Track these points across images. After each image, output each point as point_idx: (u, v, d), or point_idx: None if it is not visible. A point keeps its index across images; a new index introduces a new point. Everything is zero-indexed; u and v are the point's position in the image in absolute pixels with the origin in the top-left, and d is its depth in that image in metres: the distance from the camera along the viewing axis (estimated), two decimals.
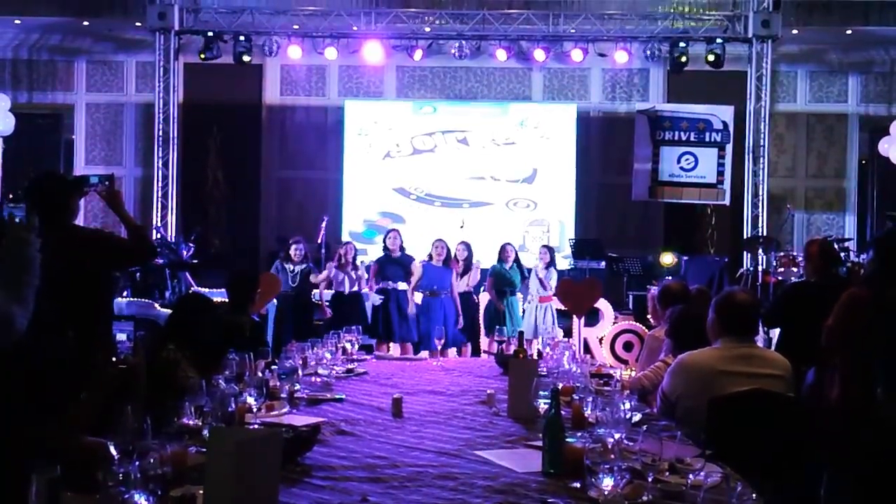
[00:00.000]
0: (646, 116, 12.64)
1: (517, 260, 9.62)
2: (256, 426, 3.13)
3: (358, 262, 9.65)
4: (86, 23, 13.06)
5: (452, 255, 9.31)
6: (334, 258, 9.48)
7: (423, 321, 9.04)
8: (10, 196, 3.58)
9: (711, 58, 12.31)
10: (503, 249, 9.55)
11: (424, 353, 8.43)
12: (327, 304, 9.36)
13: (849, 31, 12.84)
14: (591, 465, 2.34)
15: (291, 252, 9.22)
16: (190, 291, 10.17)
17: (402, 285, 9.15)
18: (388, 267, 9.22)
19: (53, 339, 3.16)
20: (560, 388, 3.26)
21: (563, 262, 11.90)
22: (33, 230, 2.85)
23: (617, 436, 2.68)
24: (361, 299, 9.49)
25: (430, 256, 9.19)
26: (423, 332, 9.00)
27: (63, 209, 4.13)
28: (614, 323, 9.78)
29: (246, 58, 12.53)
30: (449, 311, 9.01)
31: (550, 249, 9.99)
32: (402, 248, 9.30)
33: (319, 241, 10.75)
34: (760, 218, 12.53)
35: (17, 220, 3.01)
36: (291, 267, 9.18)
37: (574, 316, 9.44)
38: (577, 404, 3.29)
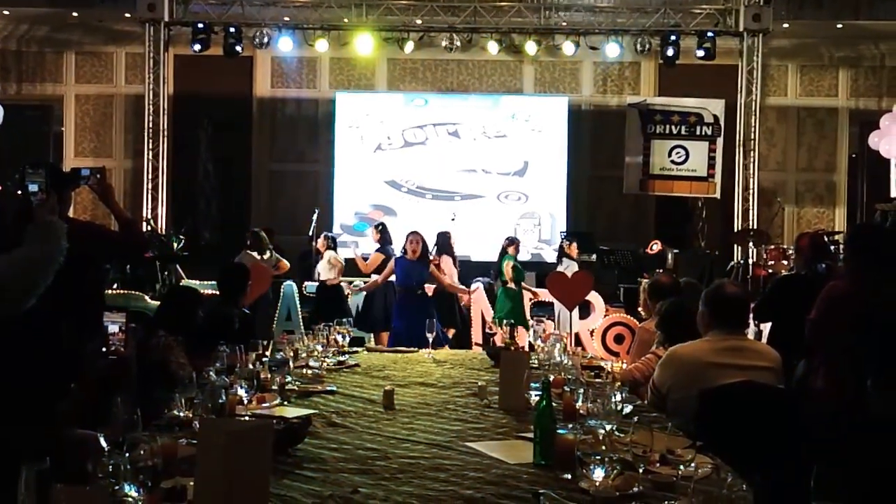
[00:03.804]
0: (637, 110, 12.65)
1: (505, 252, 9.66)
2: (247, 418, 3.12)
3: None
4: (75, 14, 12.99)
5: (439, 243, 9.27)
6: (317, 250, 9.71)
7: (401, 318, 8.47)
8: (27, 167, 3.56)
9: (702, 52, 12.32)
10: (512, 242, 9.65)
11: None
12: (311, 294, 9.46)
13: (839, 25, 12.88)
14: (582, 456, 2.35)
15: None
16: (179, 284, 10.18)
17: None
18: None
19: (46, 331, 3.15)
20: (551, 379, 3.26)
21: (554, 255, 11.93)
22: (55, 210, 2.97)
23: (608, 427, 2.68)
24: (342, 291, 9.54)
25: (405, 251, 8.67)
26: (403, 330, 8.31)
27: (61, 202, 4.13)
28: (605, 315, 9.79)
29: (237, 49, 12.48)
30: (428, 308, 8.45)
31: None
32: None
33: (311, 233, 10.76)
34: (751, 211, 12.57)
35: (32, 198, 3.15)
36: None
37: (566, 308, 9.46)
38: (568, 396, 3.29)
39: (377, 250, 9.76)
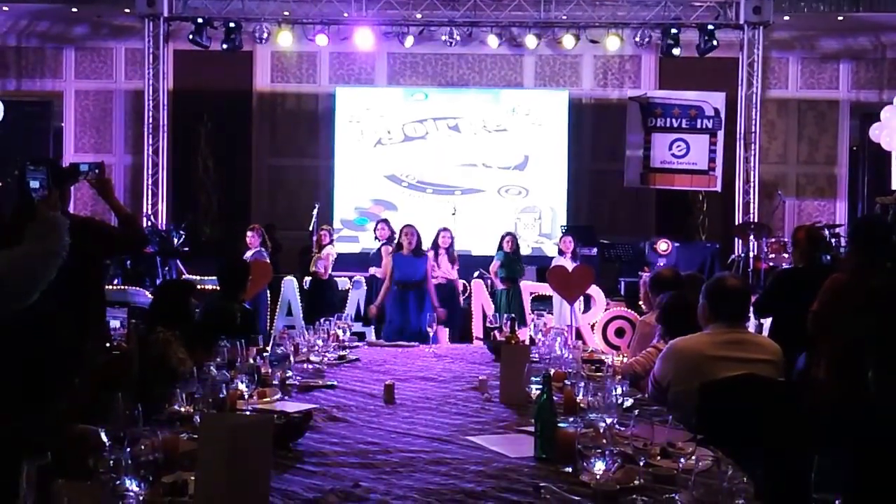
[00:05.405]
0: (637, 103, 12.63)
1: (517, 248, 9.69)
2: (248, 413, 3.12)
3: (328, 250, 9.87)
4: (74, 9, 12.96)
5: (437, 241, 9.22)
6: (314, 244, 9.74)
7: (395, 314, 8.22)
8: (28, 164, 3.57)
9: (703, 44, 12.29)
10: (507, 238, 9.65)
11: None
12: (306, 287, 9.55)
13: (840, 18, 12.84)
14: (583, 449, 2.35)
15: (248, 239, 9.34)
16: (169, 278, 10.24)
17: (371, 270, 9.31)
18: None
19: (47, 326, 3.15)
20: (552, 373, 3.26)
21: (555, 249, 11.92)
22: (56, 206, 2.98)
23: (609, 421, 2.68)
24: (335, 285, 9.56)
25: (401, 245, 8.39)
26: (399, 324, 8.12)
27: (61, 197, 4.13)
28: (606, 309, 9.80)
29: (236, 44, 12.45)
30: (424, 303, 8.23)
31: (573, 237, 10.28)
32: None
33: (311, 228, 10.76)
34: (752, 204, 12.55)
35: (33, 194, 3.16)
36: (249, 254, 9.25)
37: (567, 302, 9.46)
38: (568, 389, 3.29)
39: (386, 245, 9.66)
